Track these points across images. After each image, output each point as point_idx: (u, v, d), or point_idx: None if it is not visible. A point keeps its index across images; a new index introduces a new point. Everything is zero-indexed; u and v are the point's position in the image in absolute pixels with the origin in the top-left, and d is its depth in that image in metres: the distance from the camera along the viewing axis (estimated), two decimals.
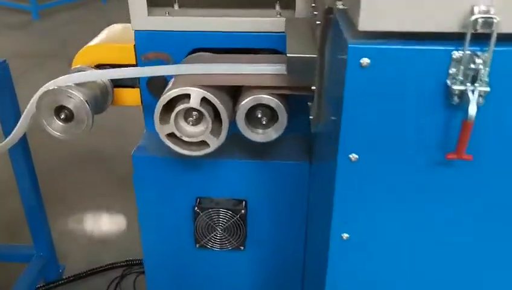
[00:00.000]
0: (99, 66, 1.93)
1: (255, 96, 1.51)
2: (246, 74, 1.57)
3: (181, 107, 1.53)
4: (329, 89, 1.25)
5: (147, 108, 2.00)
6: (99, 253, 3.25)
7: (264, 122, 1.56)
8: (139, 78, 1.93)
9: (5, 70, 2.40)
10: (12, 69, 2.41)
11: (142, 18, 1.81)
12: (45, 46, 6.97)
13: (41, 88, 1.63)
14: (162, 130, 1.58)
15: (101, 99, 1.75)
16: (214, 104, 1.53)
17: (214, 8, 1.89)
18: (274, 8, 1.84)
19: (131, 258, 3.17)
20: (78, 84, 1.66)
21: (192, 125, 1.57)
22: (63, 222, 3.54)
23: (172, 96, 1.52)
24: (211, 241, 1.94)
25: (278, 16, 1.81)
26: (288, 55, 1.39)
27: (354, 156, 1.09)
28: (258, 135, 1.58)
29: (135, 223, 3.46)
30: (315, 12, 1.49)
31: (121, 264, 3.15)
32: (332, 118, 1.15)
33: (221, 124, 1.55)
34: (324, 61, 1.34)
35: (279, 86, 1.52)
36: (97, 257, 3.18)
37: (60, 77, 1.62)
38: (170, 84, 1.65)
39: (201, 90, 1.51)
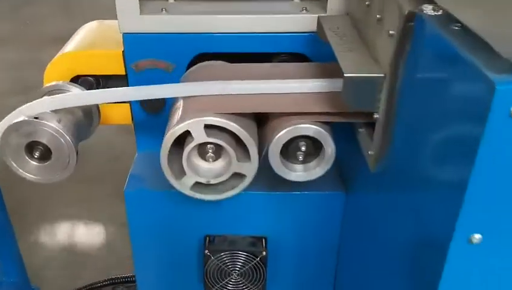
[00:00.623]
0: (78, 78, 1.53)
1: (295, 126, 1.15)
2: (279, 96, 1.21)
3: (188, 149, 1.18)
4: (420, 127, 0.91)
5: (139, 126, 1.63)
6: (77, 270, 2.87)
7: (301, 157, 1.20)
8: (128, 86, 1.55)
9: None
10: None
11: (132, 17, 1.42)
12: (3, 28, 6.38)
13: (3, 121, 1.23)
14: (183, 185, 1.22)
15: (85, 122, 1.37)
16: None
17: (222, 1, 1.52)
18: None
19: (116, 276, 2.78)
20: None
21: (213, 161, 1.21)
22: (31, 235, 3.13)
23: (168, 144, 1.17)
24: (225, 289, 1.59)
25: (304, 11, 1.44)
26: (345, 75, 1.03)
27: (476, 237, 0.75)
28: (297, 174, 1.23)
29: (115, 233, 3.15)
30: (370, 13, 1.14)
31: (105, 283, 2.76)
32: (437, 174, 0.81)
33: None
34: (397, 82, 0.99)
35: (327, 113, 1.16)
36: (75, 277, 2.80)
37: (28, 104, 1.22)
38: (174, 109, 1.27)
39: (202, 117, 1.15)
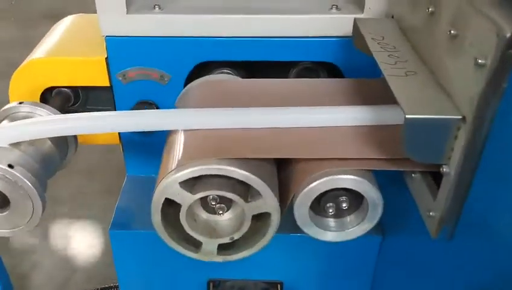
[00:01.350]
0: (51, 90, 1.24)
1: (331, 177, 0.85)
2: (308, 129, 0.92)
3: (183, 216, 0.90)
4: None
5: (128, 147, 1.34)
6: (66, 276, 2.60)
7: (332, 211, 0.91)
8: (114, 104, 1.26)
9: None
10: None
11: (117, 17, 1.12)
12: None
13: None
14: (206, 254, 0.93)
15: (57, 153, 1.07)
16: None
17: None
18: None
19: (107, 285, 2.52)
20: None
21: (224, 211, 0.91)
22: (14, 238, 2.85)
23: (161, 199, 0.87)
24: None
25: (334, 10, 1.13)
26: (407, 116, 0.73)
27: None
28: (331, 233, 0.93)
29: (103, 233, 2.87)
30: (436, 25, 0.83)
31: None
32: None
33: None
34: (483, 128, 0.70)
35: (375, 159, 0.87)
36: (64, 282, 2.55)
37: None
38: (171, 140, 0.97)
39: (194, 167, 0.85)
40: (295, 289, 1.35)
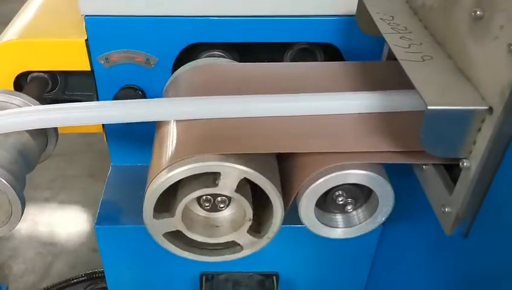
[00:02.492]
0: (26, 75, 1.13)
1: (339, 172, 0.78)
2: (312, 119, 0.84)
3: (181, 206, 0.81)
4: None
5: (112, 135, 1.25)
6: (48, 263, 2.52)
7: (343, 207, 0.84)
8: (96, 90, 1.16)
9: None
10: None
11: None
12: None
13: None
14: (157, 228, 0.85)
15: (35, 145, 0.97)
16: None
17: None
18: None
19: (94, 270, 2.43)
20: None
21: (223, 208, 0.83)
22: None
23: (159, 191, 0.79)
24: None
25: None
26: (429, 107, 0.66)
27: None
28: (339, 230, 0.87)
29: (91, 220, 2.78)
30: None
31: (82, 279, 2.40)
32: None
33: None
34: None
35: (388, 152, 0.80)
36: (46, 269, 2.46)
37: None
38: (162, 131, 0.88)
39: (197, 163, 0.77)
40: (291, 281, 1.29)
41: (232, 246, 0.88)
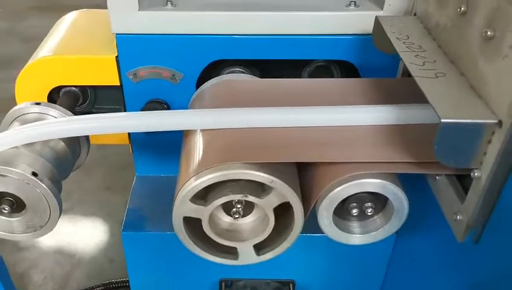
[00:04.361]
0: (59, 89, 1.20)
1: (356, 181, 0.83)
2: (331, 130, 0.90)
3: (208, 212, 0.86)
4: None
5: (138, 146, 1.31)
6: (66, 273, 2.57)
7: (359, 214, 0.89)
8: (124, 102, 1.23)
9: None
10: None
11: (128, 14, 1.09)
12: None
13: None
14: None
15: (71, 153, 1.04)
16: None
17: None
18: None
19: (111, 280, 2.47)
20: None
21: (241, 216, 0.89)
22: None
23: (188, 197, 0.85)
24: None
25: (352, 6, 1.11)
26: (443, 120, 0.71)
27: None
28: (355, 237, 0.92)
29: (108, 231, 2.84)
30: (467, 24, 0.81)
31: (99, 289, 2.46)
32: None
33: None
34: None
35: (403, 163, 0.85)
36: (64, 279, 2.51)
37: None
38: (189, 141, 0.94)
39: (225, 171, 0.83)
40: (307, 288, 1.33)
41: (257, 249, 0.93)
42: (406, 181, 0.91)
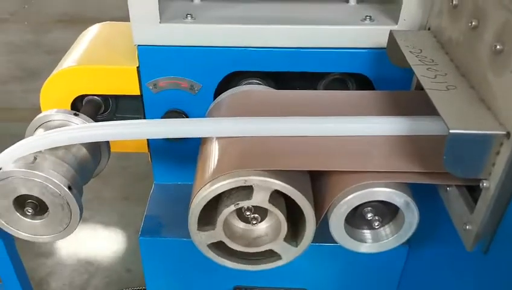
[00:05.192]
0: (82, 98, 1.25)
1: (368, 190, 0.85)
2: (343, 140, 0.92)
3: (222, 217, 0.89)
4: None
5: (156, 155, 1.34)
6: (84, 281, 2.61)
7: (371, 223, 0.91)
8: (143, 111, 1.26)
9: None
10: None
11: (150, 26, 1.13)
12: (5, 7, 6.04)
13: None
14: (203, 239, 0.93)
15: (92, 159, 1.08)
16: None
17: (260, 2, 1.23)
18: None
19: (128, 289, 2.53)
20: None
21: (258, 222, 0.91)
22: (35, 243, 2.85)
23: (203, 202, 0.87)
24: None
25: (367, 21, 1.14)
26: (452, 131, 0.73)
27: None
28: (366, 245, 0.94)
29: (126, 241, 2.88)
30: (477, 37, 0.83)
31: None
32: None
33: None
34: None
35: (413, 173, 0.87)
36: (82, 287, 2.55)
37: (15, 146, 0.94)
38: (205, 149, 0.97)
39: (243, 177, 0.85)
40: None
41: (270, 255, 0.95)
42: (418, 194, 0.92)
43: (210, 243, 0.93)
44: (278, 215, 0.89)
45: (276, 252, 0.94)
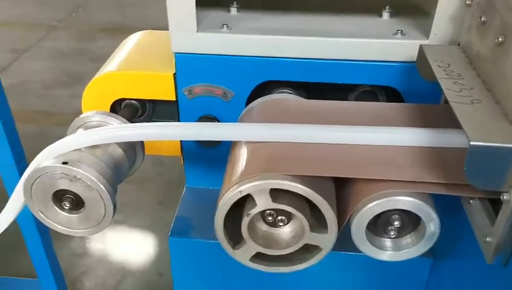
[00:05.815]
0: (121, 102, 1.30)
1: (389, 199, 0.87)
2: (368, 149, 0.94)
3: (246, 220, 0.93)
4: None
5: (189, 159, 1.39)
6: (116, 282, 2.68)
7: (392, 232, 0.93)
8: (178, 116, 1.31)
9: None
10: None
11: (187, 35, 1.18)
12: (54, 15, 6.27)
13: (30, 165, 1.01)
14: (241, 256, 0.97)
15: (127, 160, 1.13)
16: None
17: (294, 15, 1.26)
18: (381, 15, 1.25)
19: None
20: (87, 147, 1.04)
21: (282, 226, 0.95)
22: (71, 242, 2.95)
23: (229, 203, 0.91)
24: None
25: (399, 35, 1.16)
26: (472, 143, 0.75)
27: None
28: (387, 253, 0.95)
29: (155, 243, 2.94)
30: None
31: None
32: None
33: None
34: None
35: (436, 183, 0.88)
36: (114, 288, 2.63)
37: (56, 143, 1.00)
38: (235, 153, 1.01)
39: (267, 180, 0.89)
40: None
41: (313, 249, 0.97)
42: (443, 207, 0.94)
43: (251, 257, 0.96)
44: (286, 209, 0.90)
45: (313, 245, 0.95)
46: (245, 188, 0.89)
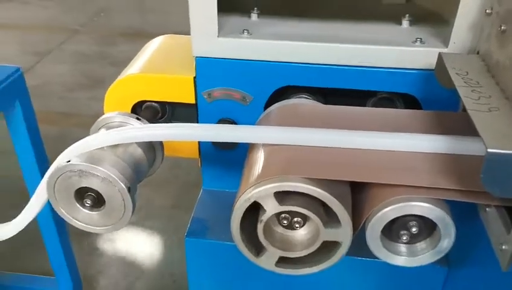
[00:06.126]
0: (142, 104, 1.33)
1: (405, 204, 0.88)
2: (386, 155, 0.95)
3: (261, 226, 0.95)
4: None
5: (206, 161, 1.41)
6: (130, 283, 2.70)
7: (407, 237, 0.93)
8: (197, 118, 1.33)
9: (19, 82, 1.82)
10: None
11: (208, 39, 1.20)
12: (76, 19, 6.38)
13: (54, 162, 1.04)
14: (265, 262, 0.99)
15: (146, 160, 1.15)
16: None
17: (314, 21, 1.28)
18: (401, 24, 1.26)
19: None
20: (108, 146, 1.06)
21: (298, 227, 0.96)
22: (87, 240, 2.98)
23: (245, 205, 0.93)
24: None
25: (418, 43, 1.16)
26: (489, 150, 0.76)
27: None
28: (401, 258, 0.96)
29: (169, 246, 2.97)
30: None
31: None
32: None
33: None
34: None
35: (453, 190, 0.89)
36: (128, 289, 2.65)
37: (79, 142, 1.03)
38: (253, 156, 1.03)
39: (276, 183, 0.90)
40: None
41: (333, 247, 0.97)
42: (460, 215, 0.94)
43: (275, 262, 0.97)
44: (294, 210, 0.92)
45: (333, 243, 0.96)
46: (261, 190, 0.91)
